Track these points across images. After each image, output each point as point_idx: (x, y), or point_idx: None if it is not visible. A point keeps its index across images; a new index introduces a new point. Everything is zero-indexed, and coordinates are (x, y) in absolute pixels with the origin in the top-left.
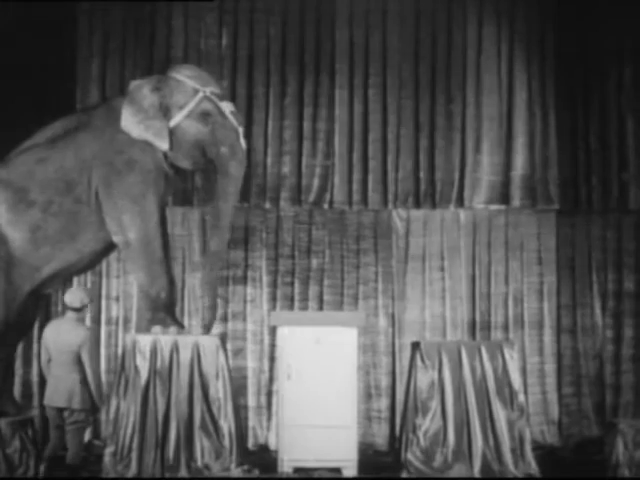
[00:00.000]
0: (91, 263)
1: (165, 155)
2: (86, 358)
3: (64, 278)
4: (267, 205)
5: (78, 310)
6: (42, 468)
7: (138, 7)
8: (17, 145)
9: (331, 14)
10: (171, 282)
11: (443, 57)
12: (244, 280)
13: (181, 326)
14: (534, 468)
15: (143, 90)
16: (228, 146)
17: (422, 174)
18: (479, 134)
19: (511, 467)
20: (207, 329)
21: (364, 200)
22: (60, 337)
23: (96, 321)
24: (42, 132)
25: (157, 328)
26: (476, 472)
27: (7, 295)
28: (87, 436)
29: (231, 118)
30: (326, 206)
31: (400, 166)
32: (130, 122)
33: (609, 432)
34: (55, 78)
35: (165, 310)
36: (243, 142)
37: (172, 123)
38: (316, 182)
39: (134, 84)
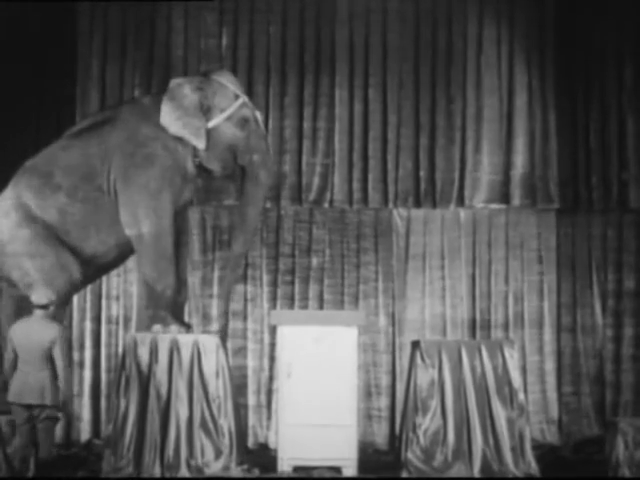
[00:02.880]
0: (118, 258)
1: (195, 155)
2: (57, 354)
3: (96, 270)
4: (267, 204)
5: (45, 307)
6: (4, 466)
7: (138, 7)
8: (17, 145)
9: (331, 14)
10: (184, 283)
11: (443, 57)
12: (244, 279)
13: (186, 326)
14: (534, 467)
15: (184, 88)
16: (260, 154)
17: (422, 173)
18: (479, 133)
19: (511, 466)
20: (223, 332)
21: (364, 199)
22: (30, 335)
23: (96, 320)
24: (69, 130)
25: (157, 327)
26: (476, 471)
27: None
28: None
29: (262, 127)
30: (326, 205)
31: (400, 165)
32: (169, 118)
33: (609, 431)
34: (55, 78)
35: (168, 309)
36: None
37: (211, 124)
38: (316, 181)
39: (175, 82)
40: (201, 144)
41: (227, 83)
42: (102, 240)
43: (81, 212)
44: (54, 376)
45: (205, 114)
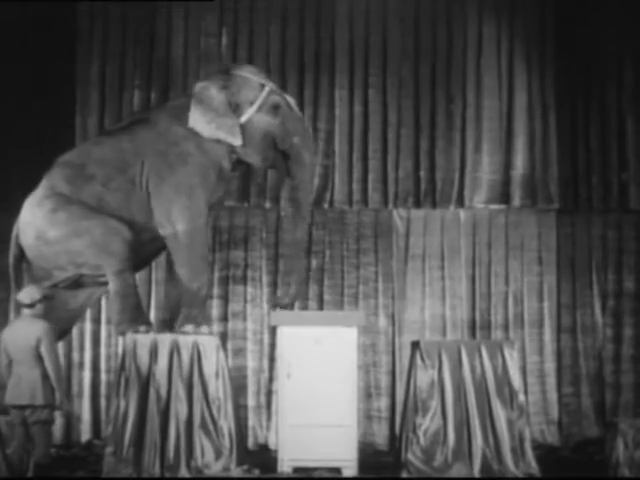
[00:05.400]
0: (150, 255)
1: (232, 152)
2: (45, 352)
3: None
4: (267, 205)
5: (30, 306)
6: (3, 466)
7: (138, 7)
8: (16, 145)
9: (331, 14)
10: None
11: (443, 57)
12: (244, 280)
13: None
14: (534, 467)
15: (211, 90)
16: (299, 136)
17: (422, 174)
18: (479, 134)
19: (511, 467)
20: (291, 304)
21: (364, 200)
22: (17, 335)
23: (96, 320)
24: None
25: (189, 327)
26: (476, 471)
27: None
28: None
29: (296, 109)
30: (326, 206)
31: (400, 166)
32: (200, 122)
33: (609, 432)
34: (55, 78)
35: (201, 308)
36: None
37: (243, 119)
38: (316, 182)
39: (200, 85)
40: (237, 141)
41: (249, 75)
42: (135, 232)
43: (116, 201)
44: (45, 375)
45: (235, 111)
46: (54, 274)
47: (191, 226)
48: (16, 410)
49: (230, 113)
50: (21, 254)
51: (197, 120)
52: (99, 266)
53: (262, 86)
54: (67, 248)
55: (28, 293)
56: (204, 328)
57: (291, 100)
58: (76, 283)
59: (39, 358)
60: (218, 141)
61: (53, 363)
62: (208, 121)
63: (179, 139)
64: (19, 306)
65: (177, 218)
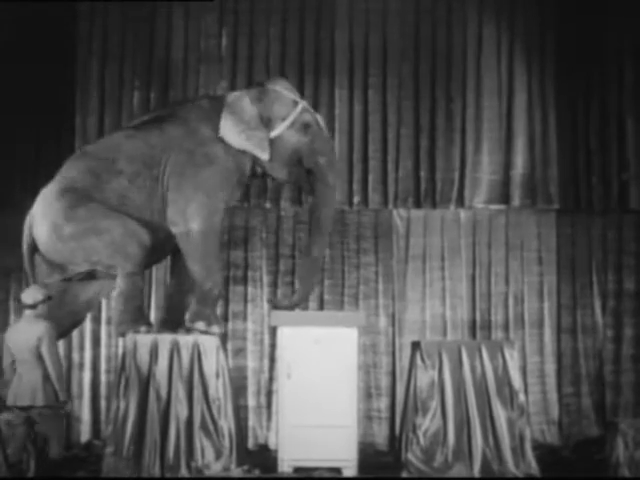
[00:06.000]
0: (163, 253)
1: (256, 163)
2: (45, 352)
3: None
4: (267, 205)
5: (32, 307)
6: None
7: (138, 7)
8: (16, 145)
9: (331, 14)
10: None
11: (443, 57)
12: (244, 280)
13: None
14: (534, 468)
15: (244, 102)
16: (326, 156)
17: (422, 174)
18: (479, 134)
19: (511, 467)
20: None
21: (364, 200)
22: (18, 335)
23: (96, 320)
24: (128, 123)
25: (201, 324)
26: (476, 472)
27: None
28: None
29: (326, 130)
30: None
31: (400, 166)
32: (231, 132)
33: (609, 432)
34: (55, 78)
35: (213, 307)
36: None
37: (273, 134)
38: None
39: (233, 95)
40: (265, 155)
41: (283, 90)
42: (154, 229)
43: (139, 198)
44: (46, 376)
45: (266, 125)
46: (68, 269)
47: (206, 225)
48: (18, 410)
49: (261, 127)
50: (35, 245)
51: (228, 130)
52: (112, 266)
53: (295, 103)
54: (83, 245)
55: (31, 294)
56: (215, 327)
57: (321, 120)
58: (90, 275)
59: (40, 358)
60: (245, 152)
61: (54, 363)
62: (239, 132)
63: (207, 140)
64: (21, 305)
65: (192, 216)
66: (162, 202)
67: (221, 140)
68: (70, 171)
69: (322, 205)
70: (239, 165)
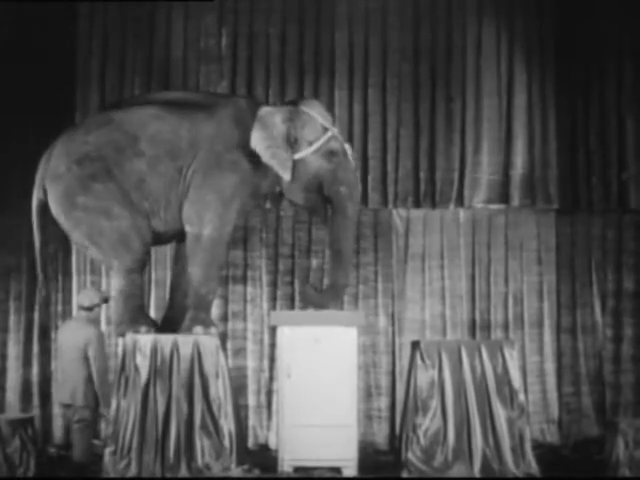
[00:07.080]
0: (160, 242)
1: (277, 182)
2: (92, 356)
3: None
4: (267, 205)
5: (88, 309)
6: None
7: (138, 7)
8: (15, 145)
9: (331, 14)
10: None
11: (443, 57)
12: (244, 279)
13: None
14: (534, 467)
15: (275, 118)
16: (347, 187)
17: (422, 174)
18: (479, 134)
19: (511, 466)
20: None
21: (364, 199)
22: (68, 335)
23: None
24: (154, 95)
25: (198, 328)
26: (476, 471)
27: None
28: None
29: (352, 160)
30: None
31: (400, 166)
32: (260, 146)
33: (609, 431)
34: (55, 78)
35: (208, 311)
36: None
37: (297, 156)
38: None
39: (265, 110)
40: (287, 175)
41: (316, 115)
42: (166, 220)
43: (157, 185)
44: (89, 378)
45: (292, 146)
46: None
47: (218, 233)
48: (62, 409)
49: (286, 146)
50: (46, 200)
51: (257, 142)
52: (106, 257)
53: (325, 130)
54: (91, 221)
55: (88, 296)
56: (213, 329)
57: (349, 149)
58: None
59: (85, 360)
60: (271, 168)
61: (99, 369)
62: (266, 147)
63: (236, 146)
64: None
65: (207, 222)
66: (182, 196)
67: (250, 149)
68: (95, 137)
69: (343, 239)
70: (258, 176)
